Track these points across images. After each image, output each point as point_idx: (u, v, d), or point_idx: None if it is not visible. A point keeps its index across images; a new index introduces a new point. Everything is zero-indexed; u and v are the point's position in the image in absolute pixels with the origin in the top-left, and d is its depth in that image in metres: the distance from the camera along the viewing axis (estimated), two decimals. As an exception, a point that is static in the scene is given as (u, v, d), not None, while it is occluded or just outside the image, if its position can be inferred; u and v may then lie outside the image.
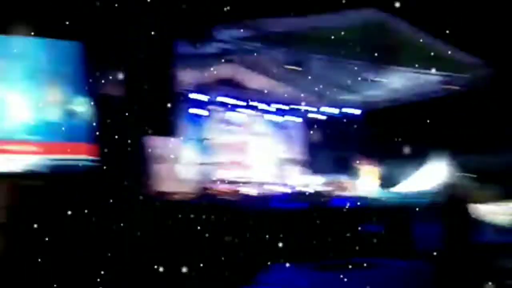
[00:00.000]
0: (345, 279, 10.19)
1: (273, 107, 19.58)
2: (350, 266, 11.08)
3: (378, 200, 14.75)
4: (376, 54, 15.40)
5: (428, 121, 17.56)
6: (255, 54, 16.51)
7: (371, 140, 18.97)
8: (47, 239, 10.09)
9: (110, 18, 12.55)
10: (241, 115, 19.43)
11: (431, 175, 17.84)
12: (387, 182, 17.53)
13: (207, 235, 11.28)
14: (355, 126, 20.00)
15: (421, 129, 17.67)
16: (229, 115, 19.21)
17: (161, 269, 10.02)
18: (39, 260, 9.46)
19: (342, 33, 14.84)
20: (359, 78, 17.41)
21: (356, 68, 16.62)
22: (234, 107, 18.91)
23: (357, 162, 18.81)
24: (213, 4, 13.78)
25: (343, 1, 14.72)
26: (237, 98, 18.71)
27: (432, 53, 16.12)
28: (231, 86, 18.89)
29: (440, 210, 11.05)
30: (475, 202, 12.79)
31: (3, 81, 12.72)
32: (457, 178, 16.45)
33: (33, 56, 13.04)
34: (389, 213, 13.18)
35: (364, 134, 19.36)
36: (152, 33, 13.07)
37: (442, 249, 10.93)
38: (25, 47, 13.09)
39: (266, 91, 19.40)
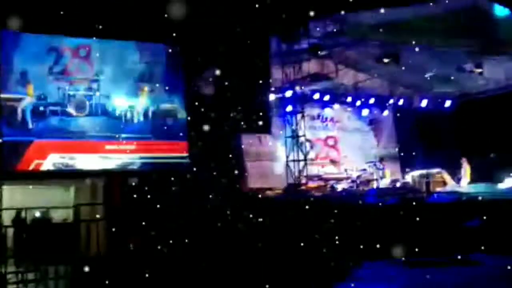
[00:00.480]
0: (439, 276, 9.90)
1: (366, 101, 19.22)
2: (445, 263, 10.76)
3: (475, 195, 14.09)
4: (475, 43, 14.75)
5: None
6: (347, 48, 16.32)
7: (470, 134, 18.13)
8: (148, 235, 10.39)
9: (203, 20, 12.83)
10: (333, 111, 19.26)
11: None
12: (486, 176, 16.70)
13: (300, 231, 11.27)
14: (453, 119, 19.20)
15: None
16: (322, 111, 19.10)
17: (257, 262, 10.11)
18: (139, 256, 9.77)
19: (437, 21, 14.34)
20: (457, 69, 16.73)
21: (453, 58, 15.99)
22: (326, 103, 18.77)
23: (455, 156, 18.07)
24: (304, 0, 13.73)
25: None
26: (330, 94, 18.56)
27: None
28: (323, 82, 18.76)
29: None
30: None
31: (103, 83, 13.37)
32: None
33: (132, 59, 13.64)
34: (487, 208, 12.56)
35: (462, 127, 18.52)
36: (245, 32, 13.24)
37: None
38: (124, 50, 13.73)
39: (359, 85, 19.13)
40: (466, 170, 16.99)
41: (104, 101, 13.46)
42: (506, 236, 11.39)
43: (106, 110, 13.45)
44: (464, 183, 16.77)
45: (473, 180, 16.76)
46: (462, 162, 17.07)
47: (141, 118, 13.69)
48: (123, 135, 13.44)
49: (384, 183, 17.27)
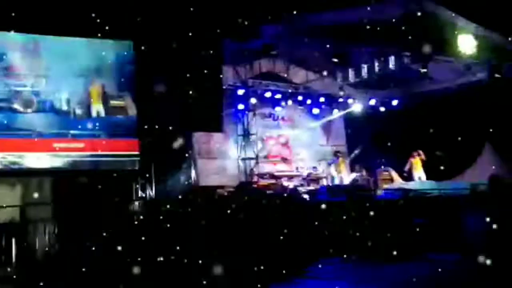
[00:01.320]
0: (390, 273, 10.08)
1: (317, 100, 19.41)
2: (396, 259, 10.96)
3: (423, 192, 14.43)
4: (422, 45, 15.08)
5: (475, 111, 17.09)
6: (298, 48, 16.41)
7: (417, 132, 18.58)
8: (90, 232, 10.20)
9: (156, 16, 12.66)
10: (285, 109, 19.35)
11: (479, 166, 17.41)
12: (433, 173, 17.15)
13: (251, 228, 11.27)
14: (400, 117, 19.62)
15: (468, 120, 17.21)
16: (273, 109, 19.16)
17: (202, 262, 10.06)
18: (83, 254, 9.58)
19: (385, 23, 14.59)
20: (404, 69, 17.09)
21: (401, 59, 16.32)
22: (278, 102, 18.84)
23: (403, 154, 18.47)
24: (256, 1, 13.74)
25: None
26: (281, 93, 18.64)
27: (478, 42, 15.71)
28: (275, 81, 18.84)
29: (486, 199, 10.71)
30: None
31: (52, 80, 12.99)
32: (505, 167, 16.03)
33: (81, 55, 13.30)
34: (435, 205, 12.88)
35: (409, 126, 18.95)
36: (198, 30, 13.15)
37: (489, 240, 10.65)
38: (74, 47, 13.37)
39: (309, 85, 19.29)
40: (415, 167, 17.33)
41: (53, 97, 13.05)
42: (451, 233, 11.71)
43: (54, 106, 13.05)
44: (414, 179, 17.10)
45: (423, 177, 17.16)
46: (412, 160, 17.39)
47: (92, 115, 13.36)
48: (73, 132, 13.08)
49: (334, 180, 17.51)
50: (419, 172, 17.41)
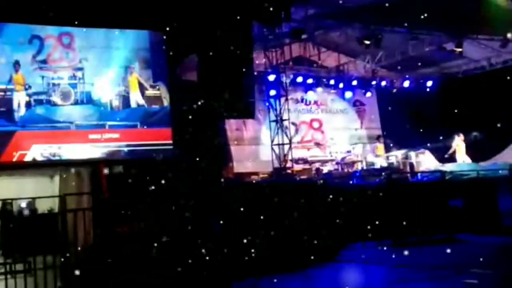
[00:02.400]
0: (426, 255, 9.95)
1: (349, 83, 19.20)
2: (431, 242, 10.81)
3: (461, 174, 14.18)
4: (454, 24, 14.74)
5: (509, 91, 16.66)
6: (329, 31, 16.22)
7: (453, 113, 18.20)
8: (135, 223, 10.31)
9: (186, 7, 12.63)
10: (317, 94, 19.21)
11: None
12: (471, 155, 16.80)
13: (286, 213, 11.26)
14: (435, 98, 19.26)
15: (504, 99, 16.77)
16: (305, 94, 19.04)
17: (246, 246, 10.09)
18: (122, 247, 9.70)
19: (417, 3, 14.28)
20: (438, 49, 16.74)
21: (434, 38, 15.99)
22: (309, 86, 18.70)
23: (438, 135, 18.15)
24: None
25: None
26: (312, 77, 18.49)
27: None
28: (306, 65, 18.71)
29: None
30: None
31: (88, 71, 13.12)
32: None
33: (116, 46, 13.36)
34: (473, 187, 12.64)
35: (445, 107, 18.58)
36: (227, 18, 13.08)
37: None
38: (108, 38, 13.43)
39: (341, 68, 19.09)
40: (456, 148, 16.93)
41: (90, 89, 13.12)
42: (488, 215, 11.50)
43: (91, 98, 13.12)
44: (461, 159, 16.72)
45: (461, 158, 16.78)
46: (454, 141, 16.97)
47: (131, 105, 13.47)
48: (110, 123, 13.20)
49: (370, 164, 17.31)
50: (462, 155, 16.97)
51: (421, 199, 12.05)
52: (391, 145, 18.89)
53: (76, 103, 12.81)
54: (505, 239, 11.01)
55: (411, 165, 17.34)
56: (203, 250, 9.38)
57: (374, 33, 15.17)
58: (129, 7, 12.17)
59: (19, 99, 12.31)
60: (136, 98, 13.57)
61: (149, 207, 9.95)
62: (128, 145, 13.18)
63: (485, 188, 12.51)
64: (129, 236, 9.68)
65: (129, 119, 13.40)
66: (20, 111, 12.32)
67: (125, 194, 10.86)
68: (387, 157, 17.74)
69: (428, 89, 19.53)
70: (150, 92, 13.73)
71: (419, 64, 18.38)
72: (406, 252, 10.02)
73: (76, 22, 12.52)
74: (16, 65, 12.34)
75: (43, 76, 12.68)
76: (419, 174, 14.65)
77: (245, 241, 9.88)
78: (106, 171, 11.99)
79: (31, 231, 10.05)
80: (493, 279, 8.29)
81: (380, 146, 18.13)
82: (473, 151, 16.86)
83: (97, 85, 13.13)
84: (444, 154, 17.34)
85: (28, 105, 12.38)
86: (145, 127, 13.46)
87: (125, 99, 13.46)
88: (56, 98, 12.63)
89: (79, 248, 9.91)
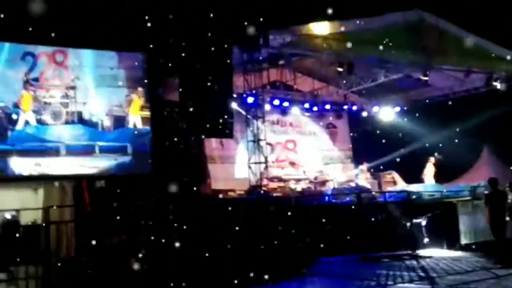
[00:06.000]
0: (391, 270, 10.14)
1: (323, 107, 19.55)
2: (395, 258, 11.03)
3: (426, 194, 14.48)
4: (420, 54, 15.17)
5: (474, 116, 17.14)
6: (304, 57, 16.51)
7: (419, 136, 18.69)
8: (114, 238, 10.31)
9: (168, 29, 12.77)
10: (292, 116, 19.49)
11: (479, 169, 17.40)
12: (435, 176, 17.16)
13: (260, 229, 11.38)
14: (403, 123, 19.71)
15: (466, 125, 17.24)
16: (281, 116, 19.32)
17: (216, 263, 10.16)
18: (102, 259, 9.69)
19: (386, 34, 14.70)
20: (405, 78, 17.16)
21: (401, 67, 16.40)
22: (285, 109, 18.99)
23: (406, 157, 18.54)
24: (264, 12, 13.88)
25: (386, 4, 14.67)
26: (288, 100, 18.78)
27: (475, 51, 15.77)
28: (283, 89, 19.00)
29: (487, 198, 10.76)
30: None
31: (80, 91, 12.59)
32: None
33: (110, 66, 12.87)
34: (436, 207, 12.95)
35: (411, 131, 19.05)
36: (209, 41, 13.24)
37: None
38: (103, 58, 12.92)
39: (315, 92, 19.44)
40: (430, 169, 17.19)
41: (81, 108, 12.45)
42: (449, 234, 11.79)
43: (83, 118, 12.42)
44: (429, 181, 16.98)
45: (426, 179, 17.09)
46: (429, 161, 17.25)
47: (121, 125, 12.90)
48: (100, 143, 12.45)
49: (340, 183, 17.58)
50: (429, 177, 17.26)
51: (388, 217, 12.32)
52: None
53: (66, 122, 12.31)
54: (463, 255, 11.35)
55: (379, 184, 17.65)
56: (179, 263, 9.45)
57: (346, 61, 15.48)
58: (112, 28, 12.14)
59: (8, 116, 11.70)
60: (136, 119, 13.10)
61: (129, 221, 10.02)
62: (117, 165, 12.63)
63: (447, 208, 12.82)
64: (110, 248, 9.71)
65: (119, 140, 12.73)
66: (10, 129, 11.68)
67: (107, 208, 10.89)
68: (356, 176, 18.03)
69: (396, 114, 19.97)
70: (143, 113, 13.25)
71: (388, 90, 18.80)
72: (372, 266, 10.22)
73: (68, 43, 12.20)
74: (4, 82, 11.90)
75: (35, 94, 12.02)
76: (386, 194, 14.92)
77: (217, 254, 9.96)
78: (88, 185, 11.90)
79: (14, 242, 10.02)
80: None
81: (364, 169, 18.31)
82: (437, 173, 17.23)
83: (89, 104, 12.56)
84: (409, 175, 17.70)
85: (17, 123, 11.71)
86: (135, 148, 12.85)
87: (117, 120, 12.84)
88: (46, 117, 12.12)
89: (60, 259, 9.94)
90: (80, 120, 12.43)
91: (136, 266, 9.42)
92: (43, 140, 11.96)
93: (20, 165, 11.75)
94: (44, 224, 10.22)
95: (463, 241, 12.12)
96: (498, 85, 16.91)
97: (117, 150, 12.77)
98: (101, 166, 12.39)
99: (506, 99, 16.64)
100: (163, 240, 10.00)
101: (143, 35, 12.53)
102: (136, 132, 12.90)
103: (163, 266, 9.63)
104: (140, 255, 9.62)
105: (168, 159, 12.41)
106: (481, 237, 11.50)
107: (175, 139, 12.80)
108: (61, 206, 10.91)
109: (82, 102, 12.47)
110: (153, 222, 10.27)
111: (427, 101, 19.07)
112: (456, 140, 17.39)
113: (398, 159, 18.58)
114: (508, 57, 16.25)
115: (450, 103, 18.33)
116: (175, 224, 10.06)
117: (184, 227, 10.12)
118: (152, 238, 9.94)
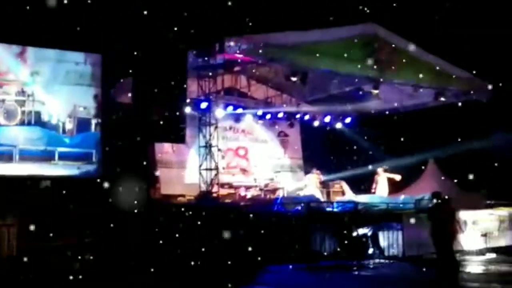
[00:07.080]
0: (338, 280, 10.24)
1: (275, 115, 19.64)
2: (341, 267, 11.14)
3: (372, 205, 14.71)
4: (372, 67, 15.45)
5: (421, 130, 17.62)
6: (259, 65, 16.55)
7: (367, 147, 19.07)
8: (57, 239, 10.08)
9: (124, 30, 12.59)
10: (245, 123, 19.49)
11: (423, 182, 17.80)
12: (381, 188, 17.48)
13: (209, 236, 11.30)
14: (352, 133, 20.07)
15: (414, 138, 17.69)
16: (234, 123, 19.28)
17: (165, 266, 10.04)
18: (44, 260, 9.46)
19: (340, 46, 14.92)
20: (357, 90, 17.44)
21: (352, 79, 16.65)
22: (238, 116, 18.97)
23: (355, 167, 18.84)
24: (221, 19, 13.87)
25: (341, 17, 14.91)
26: (242, 107, 18.77)
27: (425, 67, 16.21)
28: (237, 96, 18.99)
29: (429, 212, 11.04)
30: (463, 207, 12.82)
31: (40, 89, 11.44)
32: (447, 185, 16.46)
33: (65, 61, 11.70)
34: (381, 218, 13.16)
35: (361, 142, 19.42)
36: (164, 45, 13.14)
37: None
38: (59, 51, 11.65)
39: (268, 100, 19.52)
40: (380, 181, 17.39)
41: (40, 108, 11.15)
42: (393, 244, 12.00)
43: (41, 119, 11.10)
44: (383, 192, 17.18)
45: (374, 190, 17.35)
46: (379, 173, 17.46)
47: (87, 130, 11.75)
48: (60, 150, 11.30)
49: (290, 191, 17.67)
50: (382, 188, 17.47)
51: (335, 227, 12.44)
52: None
53: (22, 123, 10.99)
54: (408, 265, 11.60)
55: (328, 194, 17.83)
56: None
57: (300, 71, 15.60)
58: (69, 28, 11.77)
59: None
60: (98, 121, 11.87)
61: (73, 223, 9.79)
62: (80, 174, 11.46)
63: (392, 220, 13.05)
64: (52, 250, 9.48)
65: (83, 145, 11.50)
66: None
67: (51, 210, 10.61)
68: (305, 185, 18.15)
69: (346, 125, 20.31)
70: (81, 113, 12.00)
71: (339, 101, 19.06)
72: (319, 276, 10.29)
73: (27, 41, 11.30)
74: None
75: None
76: (334, 204, 15.07)
77: (161, 259, 9.84)
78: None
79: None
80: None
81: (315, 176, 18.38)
82: (387, 185, 17.53)
83: (48, 104, 11.25)
84: (358, 185, 17.98)
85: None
86: (75, 147, 11.76)
87: (81, 123, 11.61)
88: (-1, 117, 10.38)
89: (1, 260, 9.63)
90: (38, 121, 11.17)
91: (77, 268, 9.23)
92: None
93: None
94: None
95: (408, 253, 12.35)
96: (446, 100, 17.37)
97: (81, 158, 11.55)
98: (60, 175, 11.07)
99: (453, 114, 17.16)
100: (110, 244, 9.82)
101: (101, 36, 12.30)
102: (75, 134, 11.86)
103: (108, 270, 9.43)
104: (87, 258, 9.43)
105: (117, 163, 12.17)
106: (425, 250, 11.75)
107: (123, 142, 12.54)
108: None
109: (41, 101, 11.17)
110: (100, 226, 10.08)
111: (377, 113, 19.42)
112: (403, 152, 17.78)
113: (347, 169, 18.88)
114: (457, 75, 16.76)
115: (397, 116, 18.79)
116: (122, 229, 9.88)
117: (132, 231, 9.94)
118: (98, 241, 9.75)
